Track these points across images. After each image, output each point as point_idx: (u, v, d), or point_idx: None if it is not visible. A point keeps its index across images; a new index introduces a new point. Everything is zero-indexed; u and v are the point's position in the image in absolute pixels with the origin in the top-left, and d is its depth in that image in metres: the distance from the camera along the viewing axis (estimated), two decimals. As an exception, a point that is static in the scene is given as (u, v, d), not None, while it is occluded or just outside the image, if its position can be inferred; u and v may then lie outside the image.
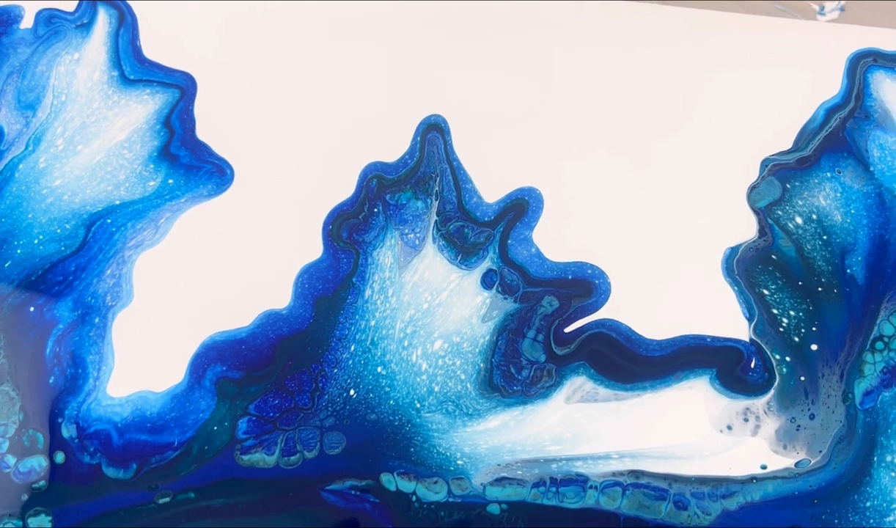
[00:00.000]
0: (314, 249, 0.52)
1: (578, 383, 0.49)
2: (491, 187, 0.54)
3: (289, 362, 0.50)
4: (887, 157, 0.53)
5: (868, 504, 0.47)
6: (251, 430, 0.49)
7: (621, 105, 0.54)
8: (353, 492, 0.48)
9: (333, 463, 0.48)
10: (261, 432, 0.49)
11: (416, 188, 0.53)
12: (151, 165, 0.54)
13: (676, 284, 0.51)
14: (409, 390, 0.49)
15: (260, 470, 0.48)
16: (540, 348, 0.50)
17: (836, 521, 0.46)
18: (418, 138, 0.55)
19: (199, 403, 0.49)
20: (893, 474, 0.47)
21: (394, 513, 0.47)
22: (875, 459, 0.47)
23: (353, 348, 0.50)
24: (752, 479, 0.47)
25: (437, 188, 0.53)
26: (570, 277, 0.51)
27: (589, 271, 0.51)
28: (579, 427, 0.48)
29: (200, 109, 0.55)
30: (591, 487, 0.47)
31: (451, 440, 0.48)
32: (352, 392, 0.49)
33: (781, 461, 0.47)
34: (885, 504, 0.46)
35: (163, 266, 0.52)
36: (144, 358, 0.50)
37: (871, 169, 0.53)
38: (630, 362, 0.50)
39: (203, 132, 0.54)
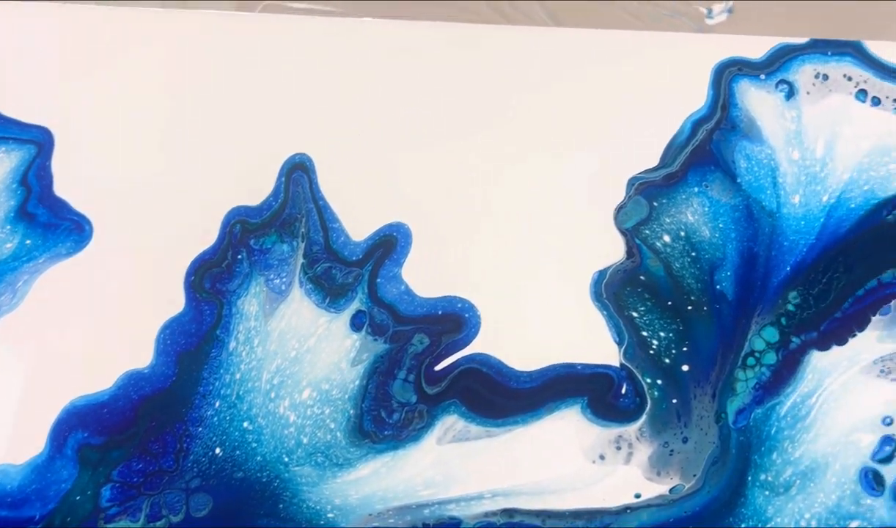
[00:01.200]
0: (177, 303, 0.51)
1: (450, 422, 0.48)
2: (358, 225, 0.53)
3: (152, 424, 0.48)
4: (754, 167, 0.53)
5: (743, 526, 0.46)
6: (115, 497, 0.47)
7: (484, 133, 0.54)
8: (221, 554, 0.46)
9: (200, 526, 0.47)
10: (125, 498, 0.47)
11: (281, 231, 0.52)
12: (8, 227, 0.52)
13: (546, 311, 0.50)
14: (276, 444, 0.48)
15: (124, 539, 0.47)
16: (411, 389, 0.49)
17: (710, 545, 0.46)
18: (283, 179, 0.53)
19: (60, 472, 0.48)
20: (768, 493, 0.47)
21: (263, 573, 0.46)
22: (749, 478, 0.47)
23: (217, 404, 0.49)
24: (627, 509, 0.46)
25: (303, 230, 0.52)
26: (440, 312, 0.51)
27: (459, 305, 0.51)
28: (451, 468, 0.48)
29: (58, 164, 0.53)
30: (464, 529, 0.46)
31: (321, 492, 0.47)
32: (217, 451, 0.48)
33: (655, 488, 0.47)
34: (760, 525, 0.46)
35: (21, 331, 0.50)
36: (3, 430, 0.48)
37: (739, 180, 0.52)
38: (501, 397, 0.49)
39: (61, 188, 0.53)
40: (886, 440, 0.47)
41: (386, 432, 0.48)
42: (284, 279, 0.51)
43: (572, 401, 0.49)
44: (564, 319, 0.50)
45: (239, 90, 0.55)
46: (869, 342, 0.49)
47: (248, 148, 0.54)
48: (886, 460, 0.47)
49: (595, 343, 0.50)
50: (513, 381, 0.49)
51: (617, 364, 0.49)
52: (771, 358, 0.49)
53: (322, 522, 0.47)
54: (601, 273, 0.51)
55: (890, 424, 0.47)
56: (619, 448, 0.48)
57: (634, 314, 0.50)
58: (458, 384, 0.49)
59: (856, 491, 0.46)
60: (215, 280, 0.51)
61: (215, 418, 0.49)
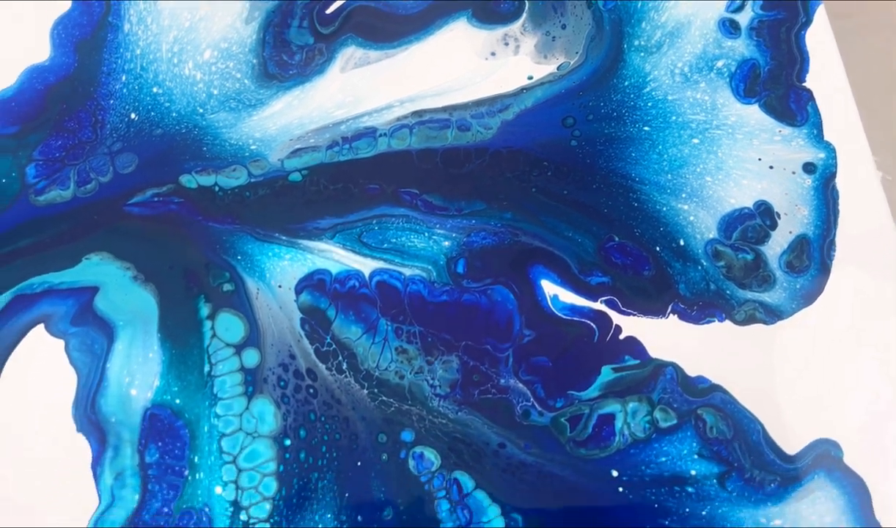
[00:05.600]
0: (63, 3, 0.52)
1: (349, 52, 0.52)
2: None
3: (63, 106, 0.50)
4: None
5: (626, 83, 0.51)
6: (41, 173, 0.49)
7: None
8: (156, 199, 0.49)
9: (130, 180, 0.49)
10: (51, 172, 0.49)
11: (152, -76, 0.54)
12: None
13: (420, -53, 0.53)
14: (188, 100, 0.50)
15: (59, 205, 0.49)
16: (307, 33, 0.52)
17: (601, 104, 0.51)
18: None
19: (-20, 165, 0.48)
20: (643, 54, 0.52)
21: (200, 206, 0.49)
22: (625, 46, 0.52)
23: (123, 77, 0.51)
24: (522, 90, 0.51)
25: (173, -80, 0.54)
26: (320, -33, 0.53)
27: (338, -43, 0.53)
28: (359, 89, 0.51)
29: None
30: (380, 135, 0.50)
31: (240, 131, 0.50)
32: (133, 116, 0.50)
33: (545, 69, 0.51)
34: (640, 79, 0.51)
35: None
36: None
37: None
38: (392, 23, 0.52)
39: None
40: (737, -7, 0.53)
41: (291, 72, 0.51)
42: (165, -37, 0.53)
43: (458, 15, 0.52)
44: (437, -49, 0.54)
45: None
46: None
47: None
48: (738, 10, 0.53)
49: (469, -34, 0.53)
50: (400, 9, 0.53)
51: (492, -22, 0.53)
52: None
53: (247, 154, 0.50)
54: None
55: (737, -19, 0.53)
56: (507, 44, 0.52)
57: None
58: (350, 21, 0.52)
59: (717, 37, 0.52)
60: (97, -25, 0.52)
61: (124, 90, 0.51)
